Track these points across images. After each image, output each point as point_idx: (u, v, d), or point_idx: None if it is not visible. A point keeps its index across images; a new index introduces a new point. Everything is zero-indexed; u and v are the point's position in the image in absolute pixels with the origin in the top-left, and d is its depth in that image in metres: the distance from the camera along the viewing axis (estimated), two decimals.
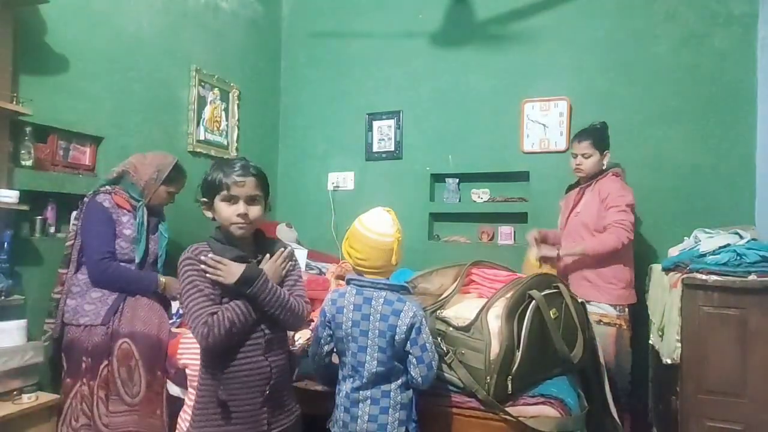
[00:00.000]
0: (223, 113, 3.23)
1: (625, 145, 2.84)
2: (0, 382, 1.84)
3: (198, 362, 1.49)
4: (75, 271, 2.00)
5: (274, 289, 1.42)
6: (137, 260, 2.04)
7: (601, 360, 1.96)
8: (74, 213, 2.11)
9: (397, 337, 1.45)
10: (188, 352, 1.91)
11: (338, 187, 3.57)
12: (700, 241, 2.20)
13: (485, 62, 3.18)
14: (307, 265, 2.64)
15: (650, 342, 2.52)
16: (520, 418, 1.58)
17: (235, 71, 3.31)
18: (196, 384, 1.66)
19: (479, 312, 1.69)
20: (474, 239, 3.24)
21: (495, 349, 1.61)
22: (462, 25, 3.25)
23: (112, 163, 2.28)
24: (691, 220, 2.55)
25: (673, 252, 2.39)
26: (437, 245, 3.26)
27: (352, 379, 1.51)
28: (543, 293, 1.74)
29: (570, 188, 2.68)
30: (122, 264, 2.01)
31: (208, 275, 1.38)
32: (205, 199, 1.46)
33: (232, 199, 1.41)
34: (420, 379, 1.46)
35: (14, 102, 1.94)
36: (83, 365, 1.91)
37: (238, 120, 3.34)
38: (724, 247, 2.07)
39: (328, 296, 1.61)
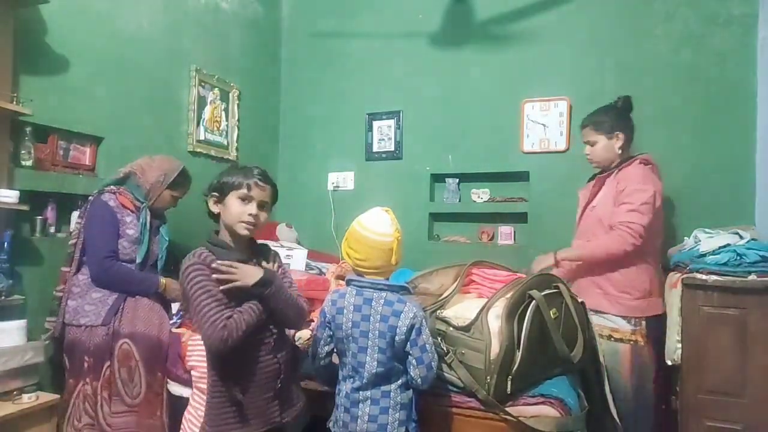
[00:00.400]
0: (223, 113, 3.23)
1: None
2: (0, 382, 1.83)
3: (203, 364, 1.51)
4: (76, 271, 2.01)
5: (284, 289, 1.50)
6: (138, 260, 2.04)
7: (602, 360, 1.96)
8: (77, 212, 2.12)
9: (397, 338, 1.45)
10: (195, 354, 1.92)
11: (338, 187, 3.57)
12: (700, 241, 2.20)
13: (485, 62, 3.17)
14: (307, 265, 2.64)
15: None
16: (520, 418, 1.58)
17: (235, 71, 3.30)
18: (201, 386, 1.68)
19: (479, 312, 1.69)
20: (474, 239, 3.23)
21: (495, 349, 1.61)
22: (462, 25, 3.25)
23: (112, 163, 2.28)
24: (691, 220, 2.55)
25: (673, 252, 2.39)
26: (437, 245, 3.26)
27: (352, 379, 1.51)
28: (543, 293, 1.74)
29: (593, 177, 2.38)
30: (124, 264, 2.01)
31: (220, 278, 1.40)
32: (216, 194, 1.50)
33: (247, 199, 1.47)
34: (419, 380, 1.47)
35: (14, 102, 1.94)
36: (85, 365, 1.91)
37: (238, 120, 3.34)
38: (724, 247, 2.06)
39: (328, 297, 1.61)
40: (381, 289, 1.51)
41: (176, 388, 2.03)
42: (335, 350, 1.59)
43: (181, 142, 2.89)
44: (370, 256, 1.52)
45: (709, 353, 2.00)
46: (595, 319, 2.06)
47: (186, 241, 2.57)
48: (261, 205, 1.49)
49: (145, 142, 2.56)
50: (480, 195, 3.21)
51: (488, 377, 1.60)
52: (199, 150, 2.99)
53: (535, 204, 3.01)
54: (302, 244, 3.15)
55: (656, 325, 2.14)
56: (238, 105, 3.32)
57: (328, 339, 1.57)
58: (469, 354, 1.65)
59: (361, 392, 1.49)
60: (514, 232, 3.11)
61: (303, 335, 1.89)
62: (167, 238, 2.21)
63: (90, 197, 2.06)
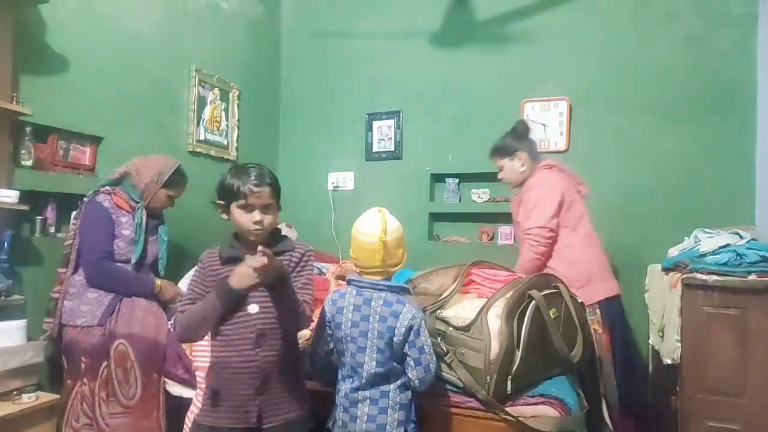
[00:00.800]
0: (223, 113, 3.23)
1: (625, 145, 2.85)
2: (0, 382, 1.83)
3: (207, 365, 1.53)
4: (72, 272, 2.00)
5: (286, 292, 1.44)
6: (134, 261, 2.03)
7: (597, 360, 1.96)
8: (74, 213, 2.11)
9: (395, 339, 1.45)
10: (200, 356, 1.92)
11: (338, 187, 3.57)
12: (700, 241, 2.20)
13: (485, 62, 3.18)
14: None
15: (650, 342, 2.52)
16: (520, 418, 1.58)
17: (235, 71, 3.31)
18: (204, 386, 1.69)
19: (479, 312, 1.69)
20: (474, 239, 3.23)
21: (495, 349, 1.61)
22: (462, 25, 3.25)
23: (112, 163, 2.28)
24: (691, 220, 2.55)
25: (673, 252, 2.39)
26: (437, 245, 3.26)
27: (351, 379, 1.51)
28: (543, 293, 1.74)
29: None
30: (119, 265, 2.01)
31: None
32: (221, 203, 1.52)
33: (248, 208, 1.47)
34: (417, 381, 1.47)
35: (14, 102, 1.94)
36: (83, 365, 1.92)
37: (238, 120, 3.34)
38: (724, 247, 2.07)
39: (328, 296, 1.62)
40: (381, 290, 1.51)
41: (176, 389, 2.02)
42: (335, 350, 1.59)
43: (181, 142, 2.90)
44: (361, 257, 1.54)
45: (708, 353, 2.00)
46: None
47: (187, 242, 2.58)
48: (265, 209, 1.49)
49: (145, 142, 2.56)
50: (480, 195, 3.21)
51: (488, 377, 1.60)
52: (199, 150, 2.99)
53: None
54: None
55: (609, 309, 2.24)
56: (238, 105, 3.32)
57: (328, 338, 1.57)
58: (469, 354, 1.65)
59: (360, 392, 1.49)
60: (514, 232, 3.11)
61: (303, 335, 1.90)
62: (166, 239, 2.21)
63: (85, 198, 2.06)
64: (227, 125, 3.26)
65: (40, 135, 2.13)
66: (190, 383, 1.96)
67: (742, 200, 2.61)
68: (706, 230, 2.28)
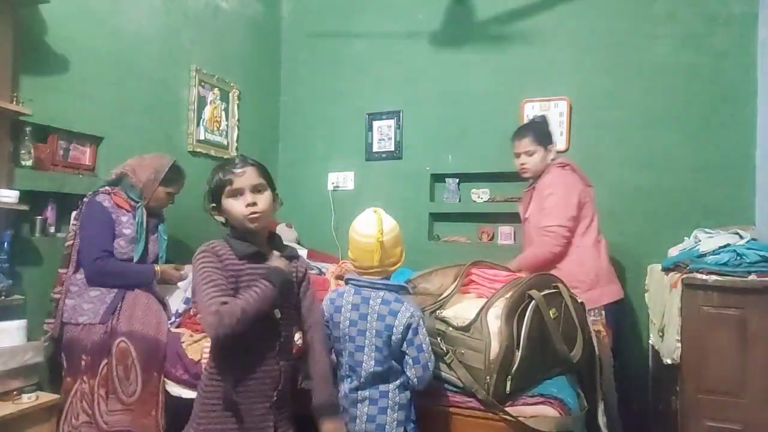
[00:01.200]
0: (223, 113, 3.23)
1: (625, 145, 2.84)
2: (0, 382, 1.83)
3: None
4: (74, 271, 2.01)
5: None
6: (136, 259, 2.04)
7: (596, 360, 1.96)
8: (74, 213, 2.12)
9: (393, 337, 1.46)
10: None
11: (338, 187, 3.57)
12: (700, 241, 2.20)
13: (485, 62, 3.18)
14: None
15: (650, 342, 2.51)
16: (519, 418, 1.58)
17: (235, 71, 3.31)
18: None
19: (479, 312, 1.68)
20: (474, 239, 3.23)
21: (495, 349, 1.60)
22: (462, 25, 3.25)
23: (112, 163, 2.28)
24: (691, 220, 2.55)
25: (673, 252, 2.39)
26: (437, 245, 3.26)
27: (350, 379, 1.51)
28: (543, 293, 1.73)
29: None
30: (118, 260, 2.01)
31: None
32: (213, 204, 1.46)
33: (237, 192, 1.41)
34: (416, 380, 1.47)
35: (14, 102, 1.94)
36: (83, 363, 1.92)
37: (238, 120, 3.34)
38: (724, 247, 2.06)
39: (327, 296, 1.62)
40: (379, 289, 1.51)
41: (176, 389, 2.02)
42: (333, 349, 1.59)
43: (181, 142, 2.90)
44: (358, 257, 1.55)
45: (708, 353, 2.00)
46: None
47: (186, 240, 2.58)
48: (255, 189, 1.42)
49: (145, 142, 2.56)
50: (480, 195, 3.21)
51: (488, 377, 1.59)
52: (199, 150, 3.00)
53: None
54: (302, 244, 3.15)
55: (614, 312, 2.27)
56: (238, 105, 3.32)
57: (326, 337, 1.57)
58: (469, 354, 1.65)
59: (359, 392, 1.49)
60: (514, 232, 3.11)
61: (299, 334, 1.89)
62: (166, 238, 2.21)
63: (85, 198, 2.07)
64: (227, 125, 3.26)
65: (40, 135, 2.14)
66: (190, 384, 1.96)
67: (742, 200, 2.61)
68: (706, 230, 2.28)
